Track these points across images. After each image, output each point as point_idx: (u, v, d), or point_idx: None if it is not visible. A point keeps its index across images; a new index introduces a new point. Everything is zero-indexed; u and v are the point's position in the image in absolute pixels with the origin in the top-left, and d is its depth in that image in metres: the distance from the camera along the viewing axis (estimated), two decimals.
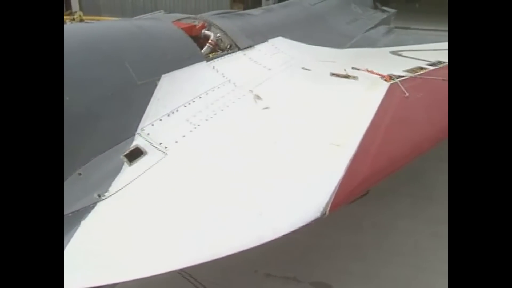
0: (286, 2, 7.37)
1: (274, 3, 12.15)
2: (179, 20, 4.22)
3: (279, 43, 4.63)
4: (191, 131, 2.88)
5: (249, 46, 4.21)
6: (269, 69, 3.91)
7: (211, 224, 2.15)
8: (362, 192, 2.71)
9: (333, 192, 2.27)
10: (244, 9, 10.26)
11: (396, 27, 9.65)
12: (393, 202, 4.98)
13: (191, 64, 3.43)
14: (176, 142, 2.76)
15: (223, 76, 3.52)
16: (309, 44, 5.11)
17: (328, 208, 2.21)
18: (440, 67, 4.54)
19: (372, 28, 7.34)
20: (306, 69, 4.09)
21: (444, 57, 4.94)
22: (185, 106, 3.06)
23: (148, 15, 5.14)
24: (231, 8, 16.31)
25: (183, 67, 3.34)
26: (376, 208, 4.71)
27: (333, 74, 3.93)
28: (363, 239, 4.34)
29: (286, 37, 4.89)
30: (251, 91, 3.39)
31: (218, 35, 4.10)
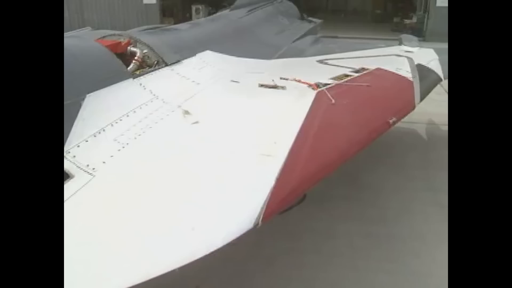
0: (213, 16, 7.44)
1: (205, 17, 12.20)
2: (103, 37, 4.14)
3: (208, 56, 4.64)
4: (119, 150, 2.82)
5: (177, 61, 4.19)
6: (198, 84, 3.91)
7: (142, 244, 2.12)
8: (295, 199, 2.76)
9: (264, 202, 2.31)
10: (175, 23, 10.20)
11: (324, 37, 9.98)
12: (329, 206, 5.11)
13: (117, 82, 3.37)
14: (104, 162, 2.69)
15: (151, 93, 3.48)
16: (238, 56, 5.16)
17: (261, 218, 2.24)
18: (364, 73, 4.74)
19: (299, 38, 7.51)
20: (235, 81, 4.13)
21: (368, 63, 5.17)
22: (112, 125, 2.99)
23: (73, 32, 4.99)
24: (162, 23, 16.19)
25: (108, 85, 3.27)
26: (313, 213, 4.81)
27: (261, 85, 3.98)
28: (302, 245, 4.42)
29: (214, 51, 4.91)
30: (179, 106, 3.37)
31: (145, 51, 4.06)
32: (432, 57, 6.13)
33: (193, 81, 3.95)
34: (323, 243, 4.47)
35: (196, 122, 3.15)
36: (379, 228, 4.76)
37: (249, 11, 7.34)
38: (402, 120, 4.36)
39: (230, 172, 2.61)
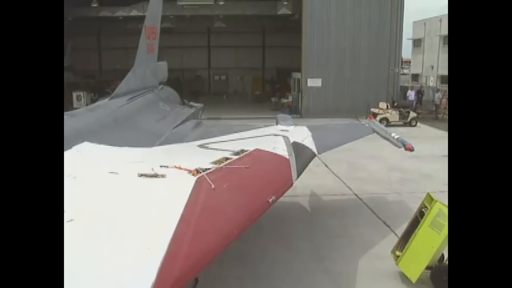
0: (91, 105, 7.33)
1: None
2: None
3: (85, 148, 4.52)
4: None
5: None
6: (74, 178, 3.75)
7: None
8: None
9: None
10: None
11: (207, 118, 10.24)
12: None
13: None
14: None
15: None
16: (118, 146, 5.09)
17: None
18: (243, 155, 4.94)
19: (180, 124, 7.63)
20: (114, 172, 4.04)
21: (247, 145, 5.41)
22: None
23: None
24: None
25: None
26: None
27: (141, 175, 3.95)
28: None
29: (93, 142, 4.80)
30: None
31: None
32: (306, 134, 6.62)
33: (69, 175, 3.78)
34: None
35: (71, 220, 3.00)
36: None
37: (129, 99, 7.33)
38: (286, 194, 4.58)
39: (108, 272, 2.49)
